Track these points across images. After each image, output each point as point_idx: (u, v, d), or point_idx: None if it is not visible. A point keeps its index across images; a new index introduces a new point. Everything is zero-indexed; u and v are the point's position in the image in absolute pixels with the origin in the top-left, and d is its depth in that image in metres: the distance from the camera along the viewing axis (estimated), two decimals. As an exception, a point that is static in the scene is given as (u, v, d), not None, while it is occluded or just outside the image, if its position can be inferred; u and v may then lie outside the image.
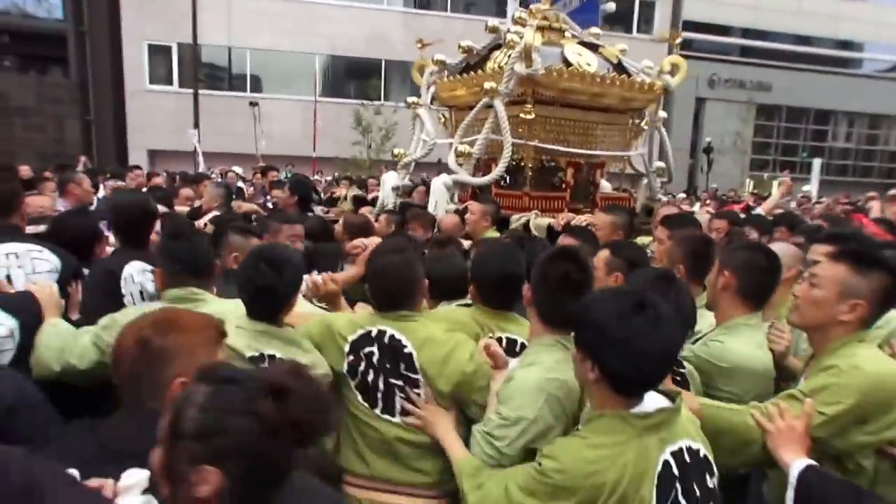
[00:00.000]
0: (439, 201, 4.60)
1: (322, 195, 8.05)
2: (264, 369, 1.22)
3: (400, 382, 1.82)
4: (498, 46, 4.83)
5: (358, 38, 20.15)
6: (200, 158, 13.10)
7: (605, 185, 5.36)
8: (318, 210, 5.45)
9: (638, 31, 22.17)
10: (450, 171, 4.66)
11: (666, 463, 1.34)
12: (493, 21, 5.07)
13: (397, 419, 1.82)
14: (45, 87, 18.82)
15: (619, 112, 4.87)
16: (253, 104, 15.49)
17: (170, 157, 17.51)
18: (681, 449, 1.37)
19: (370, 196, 6.84)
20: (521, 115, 4.49)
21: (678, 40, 5.59)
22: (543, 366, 1.65)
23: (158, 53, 18.83)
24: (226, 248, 2.62)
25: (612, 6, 10.44)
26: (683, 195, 13.64)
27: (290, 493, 1.00)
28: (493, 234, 3.86)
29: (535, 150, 4.53)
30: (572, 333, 1.47)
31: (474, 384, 1.80)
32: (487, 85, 4.43)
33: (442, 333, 1.87)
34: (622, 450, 1.32)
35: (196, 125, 17.44)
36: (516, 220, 4.35)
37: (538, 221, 4.17)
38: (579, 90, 4.46)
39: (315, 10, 19.69)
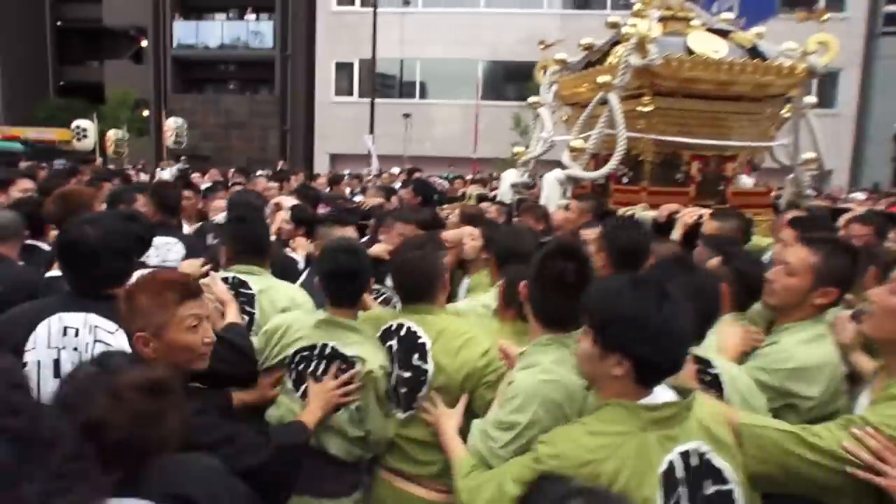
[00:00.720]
0: (551, 195, 4.65)
1: (445, 194, 8.72)
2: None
3: (408, 374, 1.88)
4: (618, 42, 4.81)
5: (516, 42, 21.03)
6: (374, 160, 14.89)
7: (746, 181, 5.07)
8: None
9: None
10: (564, 167, 4.65)
11: (671, 464, 1.28)
12: (614, 17, 5.06)
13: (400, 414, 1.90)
14: (255, 104, 22.85)
15: (755, 100, 4.57)
16: (406, 115, 17.01)
17: (347, 159, 20.03)
18: (688, 451, 1.29)
19: (492, 193, 7.20)
20: (639, 109, 4.39)
21: (825, 17, 5.12)
22: (540, 367, 1.60)
23: (343, 69, 21.64)
24: (317, 237, 2.98)
25: None
26: (861, 194, 11.91)
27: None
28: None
29: (653, 143, 4.41)
30: (575, 331, 1.46)
31: (482, 378, 1.82)
32: (601, 79, 4.39)
33: (459, 327, 1.92)
34: (623, 440, 1.27)
35: (371, 131, 19.81)
36: (622, 213, 4.23)
37: (643, 214, 4.01)
38: (704, 79, 4.26)
39: (478, 19, 21.02)
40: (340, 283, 1.92)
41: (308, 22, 21.71)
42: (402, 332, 1.90)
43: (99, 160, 15.94)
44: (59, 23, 26.00)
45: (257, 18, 23.29)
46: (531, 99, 5.52)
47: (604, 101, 4.40)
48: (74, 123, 17.33)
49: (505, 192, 5.28)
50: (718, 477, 1.31)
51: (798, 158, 5.04)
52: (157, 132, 22.71)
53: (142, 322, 1.45)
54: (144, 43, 23.97)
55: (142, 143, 21.45)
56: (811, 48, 4.50)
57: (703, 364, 1.64)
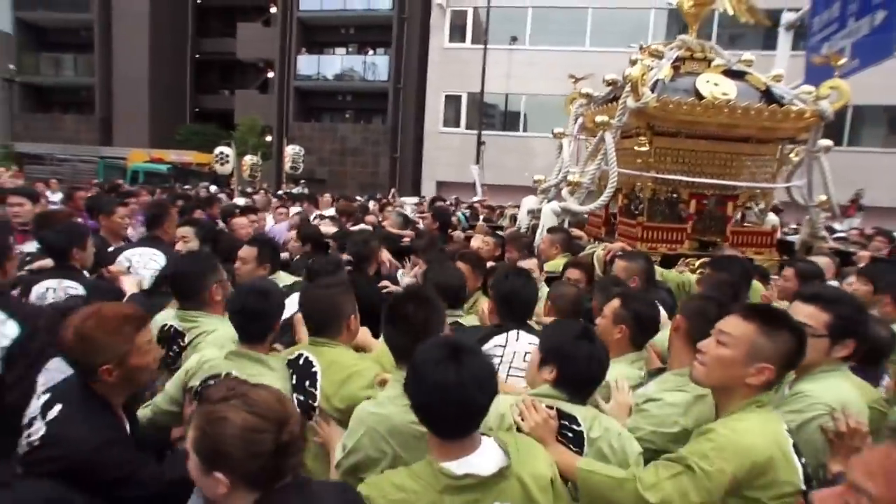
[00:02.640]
0: (546, 226, 4.85)
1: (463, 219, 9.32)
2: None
3: (301, 398, 2.03)
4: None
5: (619, 80, 22.14)
6: (479, 188, 16.47)
7: (773, 219, 5.23)
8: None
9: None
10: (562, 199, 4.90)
11: None
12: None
13: None
14: (369, 132, 25.31)
15: (762, 142, 4.71)
16: (481, 142, 18.40)
17: (452, 187, 21.87)
18: None
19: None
20: (636, 148, 4.62)
21: (840, 62, 5.12)
22: (376, 400, 1.77)
23: (451, 102, 23.66)
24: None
25: None
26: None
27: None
28: (561, 260, 3.98)
29: (652, 180, 4.65)
30: None
31: None
32: (599, 118, 4.64)
33: (349, 360, 2.09)
34: (417, 499, 1.38)
35: (477, 161, 21.54)
36: (588, 249, 4.42)
37: (599, 252, 4.11)
38: (704, 121, 4.39)
39: (581, 57, 22.46)
40: (246, 322, 2.09)
41: (420, 57, 23.93)
42: (300, 361, 2.10)
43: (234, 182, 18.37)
44: (197, 55, 29.82)
45: (374, 53, 25.89)
46: (556, 129, 5.67)
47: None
48: (217, 150, 19.61)
49: (523, 218, 5.47)
50: None
51: (812, 199, 5.10)
52: (279, 157, 25.59)
53: (105, 356, 1.63)
54: (270, 74, 27.06)
55: (266, 166, 24.25)
56: (823, 93, 4.55)
57: (569, 420, 1.72)
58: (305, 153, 25.40)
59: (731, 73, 4.73)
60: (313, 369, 2.05)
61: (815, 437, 1.78)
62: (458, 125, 23.72)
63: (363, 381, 2.01)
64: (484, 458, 1.42)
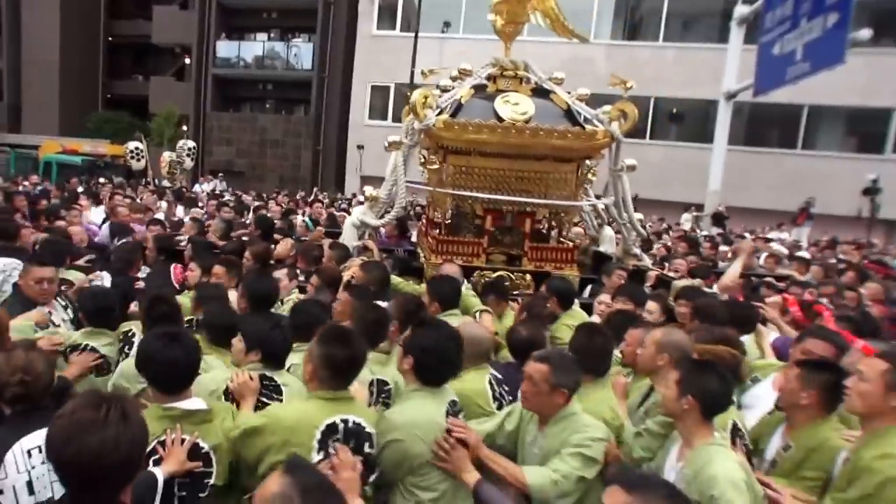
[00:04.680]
0: (347, 237, 5.26)
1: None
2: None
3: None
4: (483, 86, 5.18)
5: (554, 71, 21.66)
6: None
7: (578, 233, 5.61)
8: None
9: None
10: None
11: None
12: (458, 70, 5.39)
13: None
14: (291, 123, 24.37)
15: (561, 160, 4.88)
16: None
17: (378, 181, 21.05)
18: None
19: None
20: (429, 166, 5.00)
21: (629, 85, 5.14)
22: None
23: (378, 92, 22.88)
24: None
25: (866, 33, 9.50)
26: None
27: None
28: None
29: (450, 196, 4.92)
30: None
31: None
32: (391, 138, 4.97)
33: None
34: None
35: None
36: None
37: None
38: (493, 141, 4.63)
39: (515, 47, 21.83)
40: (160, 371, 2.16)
41: (347, 44, 23.12)
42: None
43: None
44: (110, 38, 28.60)
45: (297, 39, 25.03)
46: (390, 138, 5.67)
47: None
48: (132, 145, 18.59)
49: (347, 230, 5.57)
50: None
51: (624, 216, 5.41)
52: (198, 148, 24.56)
53: None
54: (188, 60, 26.06)
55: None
56: (614, 115, 4.82)
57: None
58: (224, 144, 24.52)
59: (539, 92, 5.07)
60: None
61: None
62: (384, 117, 22.96)
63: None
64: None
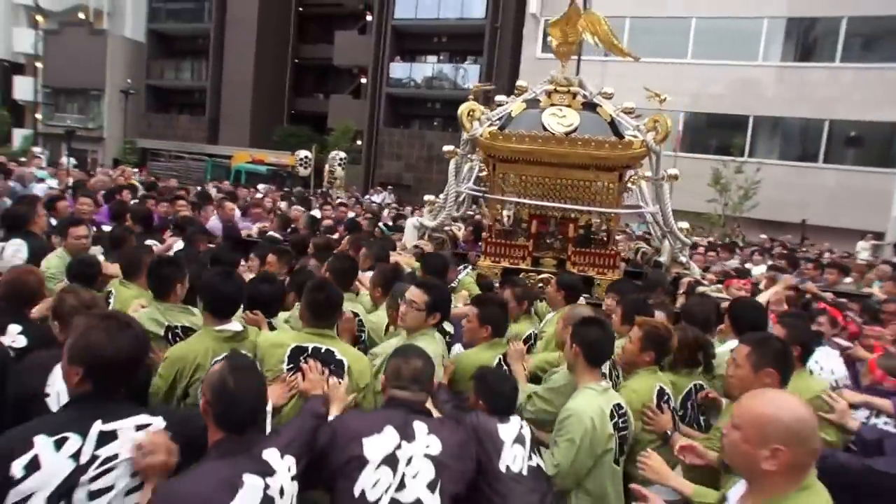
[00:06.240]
0: (408, 237, 5.96)
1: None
2: None
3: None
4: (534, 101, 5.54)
5: (724, 94, 21.90)
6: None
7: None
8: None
9: None
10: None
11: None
12: (521, 82, 5.94)
13: None
14: (457, 140, 26.55)
15: (604, 169, 5.13)
16: None
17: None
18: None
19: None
20: (480, 174, 5.50)
21: (663, 98, 5.39)
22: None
23: (540, 113, 24.47)
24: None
25: None
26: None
27: None
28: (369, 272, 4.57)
29: (494, 202, 5.48)
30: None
31: None
32: (446, 148, 5.60)
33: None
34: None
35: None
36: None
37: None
38: (538, 150, 4.98)
39: (681, 69, 22.44)
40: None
41: (512, 67, 24.97)
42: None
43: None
44: (296, 60, 32.62)
45: (465, 62, 27.32)
46: (446, 148, 6.07)
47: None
48: (301, 153, 21.27)
49: (409, 232, 6.21)
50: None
51: (668, 226, 5.56)
52: (367, 162, 27.66)
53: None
54: (363, 80, 29.22)
55: (355, 171, 26.32)
56: (649, 126, 5.02)
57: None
58: (395, 158, 27.32)
59: (588, 106, 5.35)
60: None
61: None
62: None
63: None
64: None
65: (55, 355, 2.12)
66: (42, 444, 1.65)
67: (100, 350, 1.77)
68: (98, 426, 1.73)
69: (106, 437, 1.74)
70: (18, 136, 33.03)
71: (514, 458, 2.38)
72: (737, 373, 2.49)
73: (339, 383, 2.53)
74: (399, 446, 2.11)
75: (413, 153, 26.93)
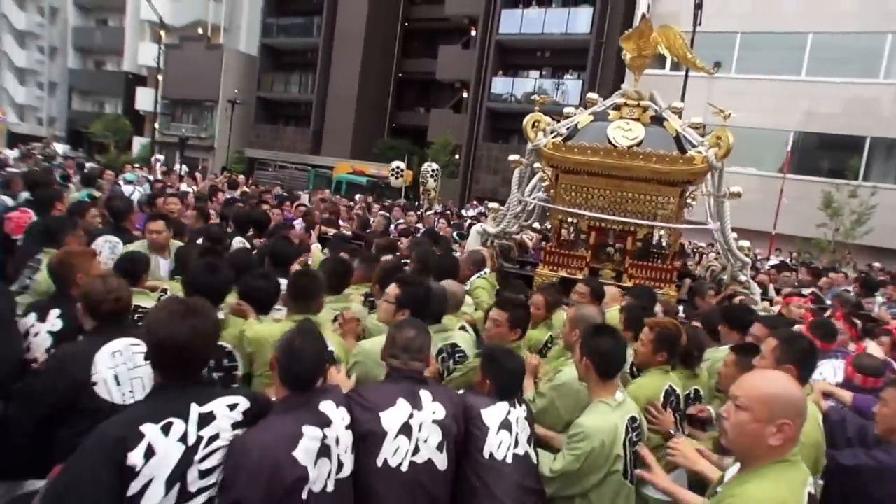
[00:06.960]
0: (471, 242, 6.23)
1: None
2: None
3: None
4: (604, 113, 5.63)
5: (838, 114, 21.17)
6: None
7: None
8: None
9: None
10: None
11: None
12: (591, 94, 6.03)
13: None
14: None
15: (665, 183, 5.14)
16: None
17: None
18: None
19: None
20: (543, 182, 5.55)
21: (727, 114, 5.23)
22: None
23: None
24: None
25: None
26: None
27: None
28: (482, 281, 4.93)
29: (555, 211, 5.58)
30: None
31: None
32: (512, 157, 5.80)
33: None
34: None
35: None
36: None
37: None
38: (598, 162, 5.08)
39: (793, 86, 21.93)
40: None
41: (615, 82, 25.22)
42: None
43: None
44: (400, 74, 33.98)
45: (568, 76, 27.71)
46: (512, 157, 6.20)
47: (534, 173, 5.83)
48: (394, 164, 21.86)
49: (473, 239, 6.54)
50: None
51: (728, 243, 5.56)
52: (464, 175, 28.57)
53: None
54: (465, 94, 30.09)
55: (453, 184, 27.21)
56: (711, 142, 5.01)
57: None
58: (492, 173, 28.03)
59: (656, 120, 5.42)
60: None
61: None
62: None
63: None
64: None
65: (93, 344, 2.40)
66: (151, 431, 1.73)
67: (183, 336, 1.83)
68: (196, 409, 1.84)
69: (206, 419, 1.84)
70: (137, 143, 36.28)
71: (498, 445, 2.43)
72: (760, 363, 2.59)
73: (338, 371, 2.65)
74: (411, 415, 2.31)
75: (510, 168, 27.27)
